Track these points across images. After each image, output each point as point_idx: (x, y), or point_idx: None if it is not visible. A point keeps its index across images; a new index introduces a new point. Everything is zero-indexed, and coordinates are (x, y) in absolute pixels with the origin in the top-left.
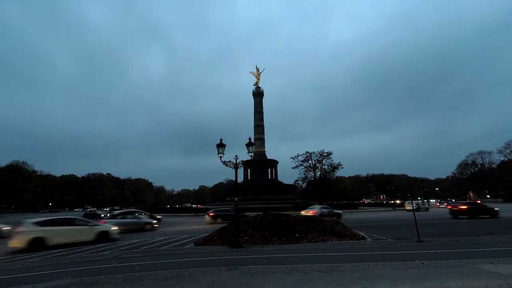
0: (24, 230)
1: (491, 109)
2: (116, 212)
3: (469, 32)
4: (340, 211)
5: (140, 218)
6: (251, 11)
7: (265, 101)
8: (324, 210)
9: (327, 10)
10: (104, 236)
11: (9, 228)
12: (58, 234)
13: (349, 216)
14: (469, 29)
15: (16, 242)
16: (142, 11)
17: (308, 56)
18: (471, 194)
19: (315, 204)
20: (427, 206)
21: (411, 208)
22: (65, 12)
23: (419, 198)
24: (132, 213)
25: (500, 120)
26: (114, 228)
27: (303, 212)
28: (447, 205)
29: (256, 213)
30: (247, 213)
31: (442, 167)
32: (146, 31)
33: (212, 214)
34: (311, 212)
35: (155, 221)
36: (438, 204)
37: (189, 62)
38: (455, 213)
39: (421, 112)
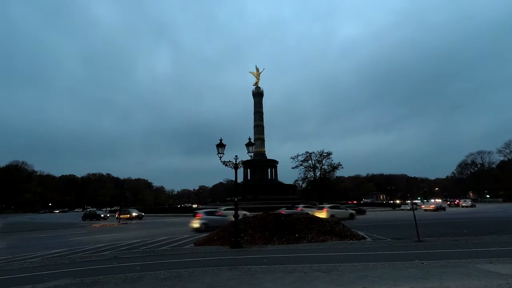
0: (327, 209)
1: (494, 109)
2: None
3: (476, 30)
4: (445, 205)
5: (347, 209)
6: (260, 9)
7: (270, 100)
8: (470, 202)
9: (336, 7)
10: (352, 217)
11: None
12: (338, 214)
13: None
14: (476, 27)
15: (321, 215)
16: (149, 10)
17: (314, 55)
18: (471, 194)
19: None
20: (474, 203)
21: (466, 205)
22: (70, 11)
23: (419, 198)
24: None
25: (503, 120)
26: (352, 211)
27: (423, 207)
28: None
29: (255, 213)
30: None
31: (443, 167)
32: (153, 30)
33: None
34: (431, 206)
35: (354, 212)
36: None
37: (195, 61)
38: None
39: (424, 112)
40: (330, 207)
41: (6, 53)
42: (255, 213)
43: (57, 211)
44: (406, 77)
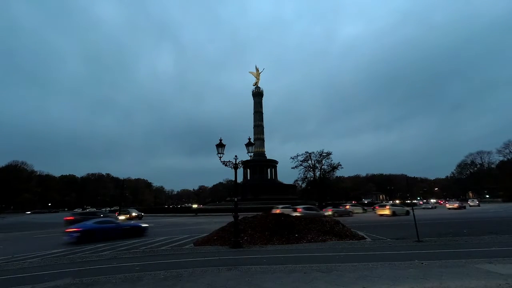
0: (389, 206)
1: (494, 109)
2: (390, 203)
3: (477, 30)
4: (466, 204)
5: (404, 207)
6: (262, 9)
7: (270, 100)
8: (477, 202)
9: (338, 6)
10: (408, 213)
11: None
12: (398, 210)
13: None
14: (477, 27)
15: (385, 212)
16: (152, 9)
17: (316, 54)
18: (471, 194)
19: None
20: (479, 203)
21: (474, 205)
22: (73, 10)
23: (418, 198)
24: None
25: (503, 120)
26: (408, 208)
27: (447, 205)
28: None
29: (255, 213)
30: (246, 213)
31: (442, 167)
32: (155, 29)
33: None
34: (455, 205)
35: (410, 209)
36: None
37: (197, 61)
38: None
39: (424, 111)
40: (392, 205)
41: (7, 52)
42: (255, 213)
43: (28, 212)
44: (406, 77)
